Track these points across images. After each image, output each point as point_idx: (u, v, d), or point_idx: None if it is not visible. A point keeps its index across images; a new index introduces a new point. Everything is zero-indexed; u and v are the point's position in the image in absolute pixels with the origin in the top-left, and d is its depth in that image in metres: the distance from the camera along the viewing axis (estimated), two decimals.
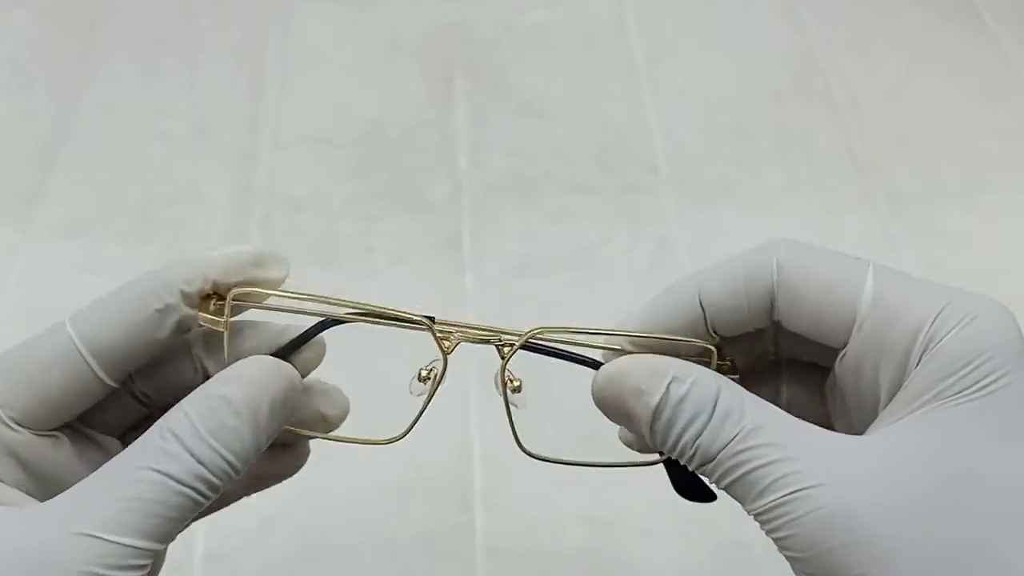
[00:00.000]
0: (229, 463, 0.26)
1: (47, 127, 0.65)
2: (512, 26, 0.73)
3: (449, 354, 0.29)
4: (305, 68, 0.69)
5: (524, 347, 0.29)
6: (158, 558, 0.29)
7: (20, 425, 0.28)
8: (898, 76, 0.70)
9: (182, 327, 0.29)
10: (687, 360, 0.28)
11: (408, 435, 0.30)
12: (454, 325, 0.29)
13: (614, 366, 0.28)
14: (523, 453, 0.30)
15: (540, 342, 0.29)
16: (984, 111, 0.68)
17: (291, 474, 0.33)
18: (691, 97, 0.68)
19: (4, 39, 0.70)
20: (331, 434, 0.31)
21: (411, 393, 0.30)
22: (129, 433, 0.32)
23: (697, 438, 0.27)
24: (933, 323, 0.27)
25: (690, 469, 0.27)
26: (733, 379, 0.28)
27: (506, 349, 0.29)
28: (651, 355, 0.28)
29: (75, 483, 0.27)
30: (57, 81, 0.67)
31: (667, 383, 0.27)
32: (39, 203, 0.60)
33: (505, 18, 0.73)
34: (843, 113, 0.67)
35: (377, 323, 0.29)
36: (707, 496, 0.30)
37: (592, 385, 0.29)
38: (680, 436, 0.27)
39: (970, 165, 0.64)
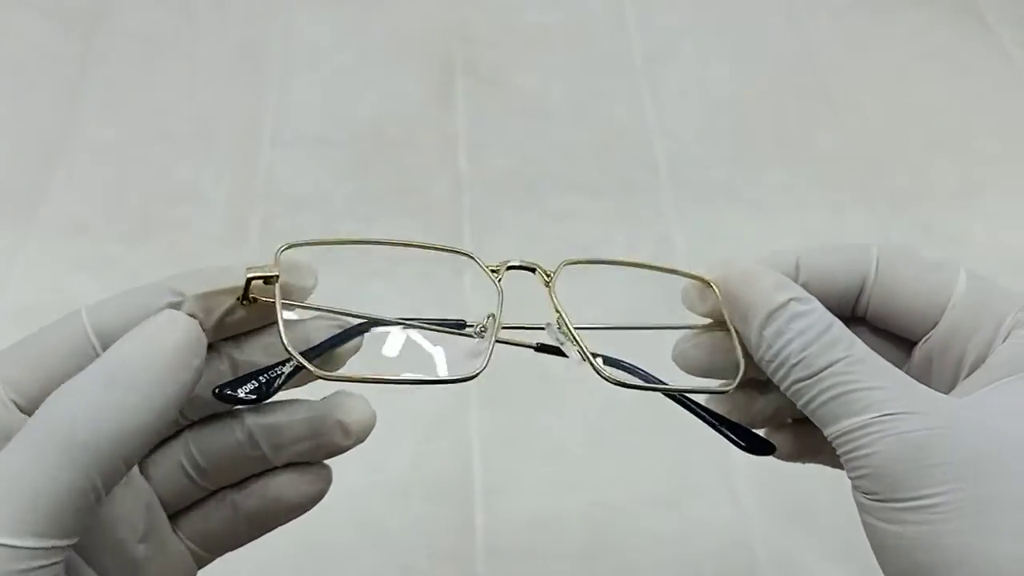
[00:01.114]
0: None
1: (48, 127, 0.65)
2: (512, 26, 0.73)
3: (500, 281, 0.31)
4: (305, 68, 0.69)
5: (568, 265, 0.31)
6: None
7: (23, 411, 0.27)
8: (898, 76, 0.70)
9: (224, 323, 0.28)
10: None
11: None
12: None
13: (745, 264, 0.31)
14: (602, 378, 0.30)
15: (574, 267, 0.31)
16: (984, 111, 0.68)
17: (311, 504, 0.31)
18: (691, 97, 0.68)
19: (4, 39, 0.70)
20: (395, 376, 0.29)
21: (468, 356, 0.30)
22: (189, 516, 0.31)
23: (804, 349, 0.28)
24: (1017, 314, 0.29)
25: (782, 385, 0.28)
26: None
27: (547, 276, 0.31)
28: (778, 273, 0.30)
29: None
30: (58, 81, 0.67)
31: (790, 296, 0.29)
32: (40, 203, 0.60)
33: (505, 18, 0.73)
34: (843, 113, 0.67)
35: (423, 328, 0.29)
36: (770, 448, 0.32)
37: (719, 269, 0.32)
38: (788, 343, 0.28)
39: (970, 165, 0.64)
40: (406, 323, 0.30)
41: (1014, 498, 0.25)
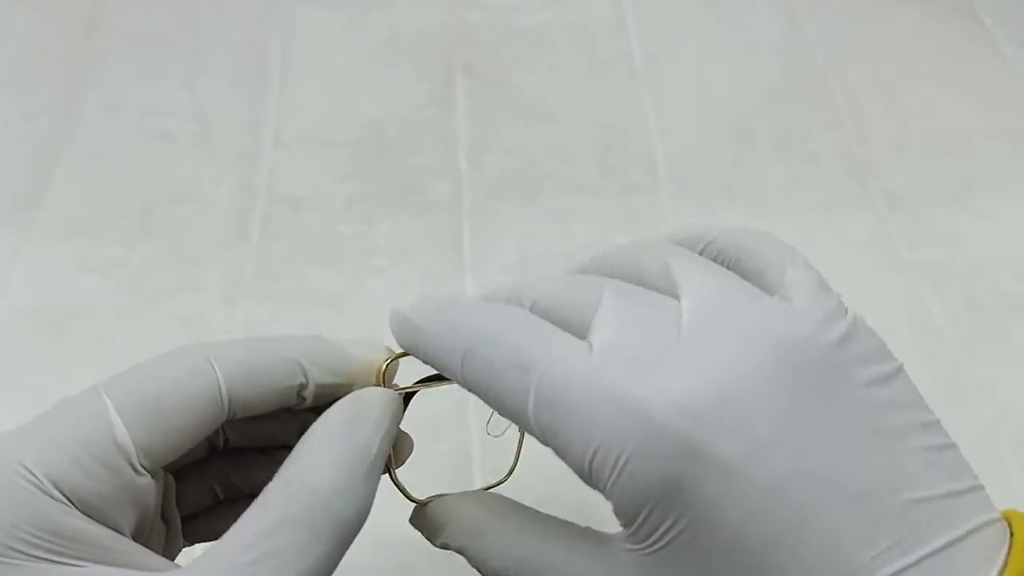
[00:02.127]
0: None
1: (48, 127, 0.65)
2: (512, 26, 0.73)
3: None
4: (306, 68, 0.69)
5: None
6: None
7: (143, 467, 0.27)
8: (897, 77, 0.70)
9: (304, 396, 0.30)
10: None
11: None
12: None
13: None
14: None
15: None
16: (983, 112, 0.68)
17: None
18: (691, 97, 0.68)
19: (5, 39, 0.70)
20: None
21: (489, 433, 0.31)
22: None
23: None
24: (592, 472, 0.25)
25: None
26: None
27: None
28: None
29: (147, 518, 0.27)
30: (58, 81, 0.68)
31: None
32: (40, 204, 0.60)
33: (505, 18, 0.73)
34: (842, 113, 0.67)
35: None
36: None
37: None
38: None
39: (968, 165, 0.64)
40: None
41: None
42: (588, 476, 0.26)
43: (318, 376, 0.29)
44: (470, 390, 0.28)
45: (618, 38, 0.72)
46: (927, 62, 0.71)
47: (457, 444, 0.49)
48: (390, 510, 0.49)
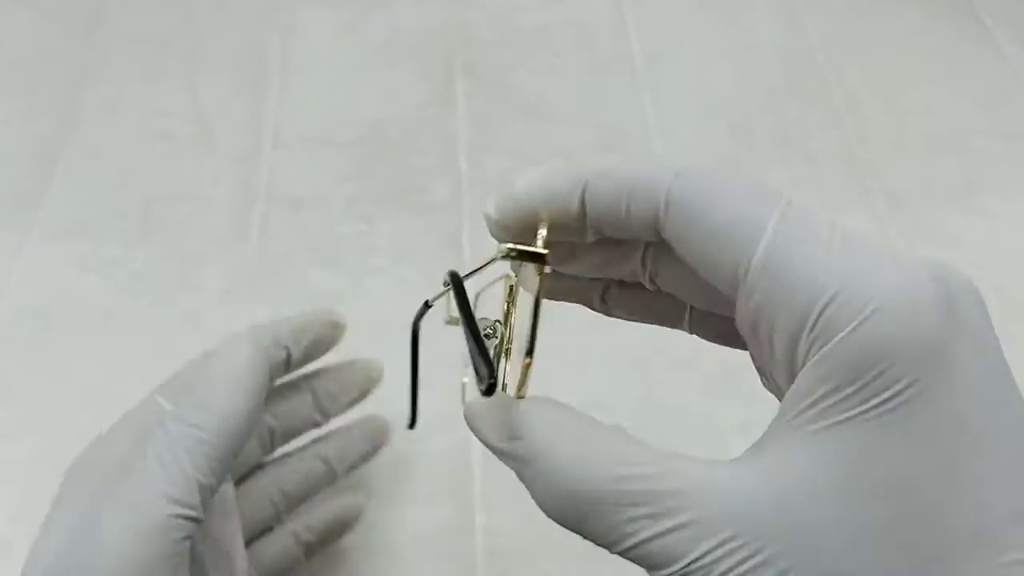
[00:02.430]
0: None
1: (48, 127, 0.65)
2: (512, 26, 0.73)
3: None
4: (306, 68, 0.69)
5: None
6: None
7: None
8: (897, 76, 0.70)
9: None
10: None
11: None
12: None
13: (470, 408, 0.28)
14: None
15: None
16: (982, 112, 0.68)
17: (355, 520, 0.43)
18: (691, 97, 0.68)
19: (5, 39, 0.70)
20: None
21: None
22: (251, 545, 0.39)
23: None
24: (823, 313, 0.22)
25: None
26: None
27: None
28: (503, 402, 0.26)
29: None
30: (58, 81, 0.68)
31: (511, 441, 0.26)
32: (40, 203, 0.60)
33: (505, 18, 0.73)
34: (842, 113, 0.67)
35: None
36: None
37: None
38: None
39: (968, 165, 0.64)
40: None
41: None
42: (810, 324, 0.22)
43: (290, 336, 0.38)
44: (674, 212, 0.24)
45: (618, 38, 0.72)
46: (927, 62, 0.71)
47: (457, 442, 0.49)
48: (390, 511, 0.49)
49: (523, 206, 0.27)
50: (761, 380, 0.27)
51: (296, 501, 0.40)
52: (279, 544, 0.39)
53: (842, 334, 0.22)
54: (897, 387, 0.22)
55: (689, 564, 0.22)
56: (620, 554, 0.24)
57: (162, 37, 0.71)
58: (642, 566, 0.24)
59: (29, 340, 0.53)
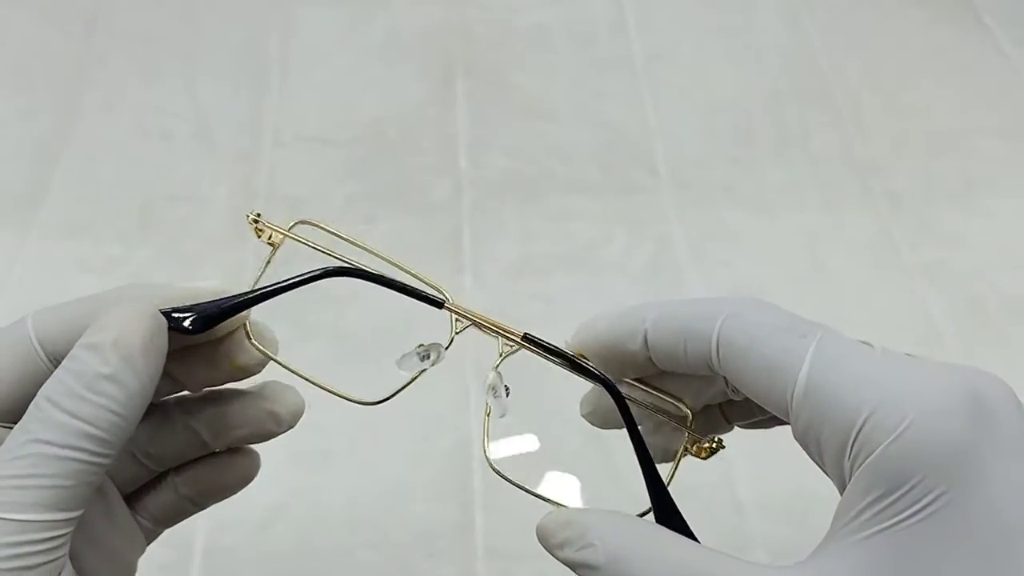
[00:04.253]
0: (114, 412, 0.25)
1: (47, 127, 0.65)
2: (512, 26, 0.73)
3: (457, 334, 0.31)
4: (305, 68, 0.69)
5: (525, 343, 0.30)
6: (130, 552, 0.30)
7: None
8: (897, 76, 0.70)
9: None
10: (662, 413, 0.30)
11: (389, 403, 0.31)
12: (463, 311, 0.31)
13: (541, 523, 0.29)
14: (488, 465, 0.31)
15: (537, 341, 0.30)
16: (983, 111, 0.68)
17: (242, 485, 0.33)
18: (691, 97, 0.68)
19: (4, 39, 0.70)
20: (315, 379, 0.32)
21: (399, 368, 0.31)
22: (137, 494, 0.32)
23: None
24: (861, 431, 0.24)
25: None
26: (698, 444, 0.29)
27: (506, 347, 0.30)
28: (572, 517, 0.28)
29: None
30: (57, 81, 0.67)
31: (573, 548, 0.28)
32: (39, 203, 0.60)
33: (505, 18, 0.73)
34: (843, 113, 0.67)
35: (388, 287, 0.30)
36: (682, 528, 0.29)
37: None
38: None
39: (969, 165, 0.64)
40: (370, 278, 0.30)
41: None
42: (850, 442, 0.25)
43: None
44: (724, 352, 0.27)
45: (618, 38, 0.72)
46: (928, 62, 0.71)
47: (457, 443, 0.49)
48: (390, 510, 0.49)
49: (598, 343, 0.30)
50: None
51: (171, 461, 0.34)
52: (163, 496, 0.33)
53: (880, 449, 0.24)
54: (930, 496, 0.23)
55: None
56: None
57: (161, 37, 0.71)
58: None
59: None
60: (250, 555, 0.46)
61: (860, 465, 0.24)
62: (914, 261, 0.58)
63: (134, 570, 0.31)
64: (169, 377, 0.31)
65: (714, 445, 0.30)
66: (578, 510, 0.29)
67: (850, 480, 0.25)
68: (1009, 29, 0.73)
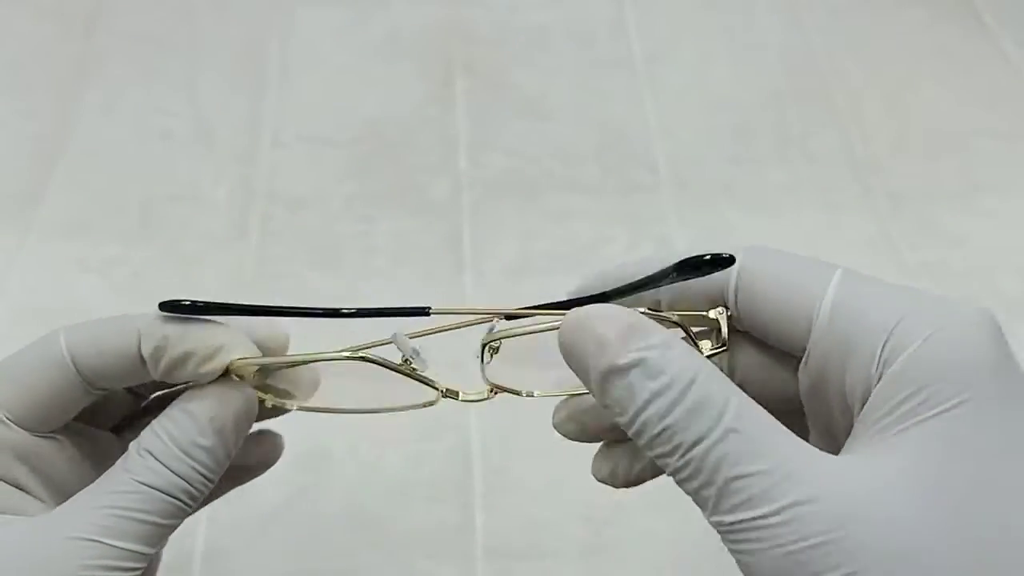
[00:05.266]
0: (203, 475, 0.29)
1: (47, 127, 0.65)
2: (512, 26, 0.73)
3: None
4: (305, 68, 0.69)
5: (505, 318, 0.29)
6: (153, 562, 0.31)
7: (19, 426, 0.30)
8: (898, 76, 0.70)
9: (170, 376, 0.30)
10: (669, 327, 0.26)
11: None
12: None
13: (585, 310, 0.26)
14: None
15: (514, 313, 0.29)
16: (983, 111, 0.68)
17: (270, 464, 0.35)
18: (691, 97, 0.68)
19: (4, 39, 0.70)
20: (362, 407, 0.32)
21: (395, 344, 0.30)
22: (122, 425, 0.34)
23: (663, 418, 0.24)
24: (892, 335, 0.25)
25: (649, 454, 0.24)
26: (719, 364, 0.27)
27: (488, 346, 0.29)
28: (628, 309, 0.25)
29: (79, 481, 0.29)
30: (57, 81, 0.67)
31: (638, 344, 0.24)
32: (39, 203, 0.60)
33: (505, 18, 0.73)
34: (843, 113, 0.67)
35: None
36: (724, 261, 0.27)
37: (559, 332, 0.26)
38: (643, 409, 0.24)
39: (969, 165, 0.64)
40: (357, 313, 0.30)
41: None
42: (881, 346, 0.25)
43: (174, 345, 0.29)
44: (745, 278, 0.27)
45: (618, 38, 0.72)
46: (928, 62, 0.71)
47: (457, 443, 0.49)
48: (390, 510, 0.49)
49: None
50: (811, 438, 0.28)
51: None
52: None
53: (914, 347, 0.24)
54: (967, 393, 0.24)
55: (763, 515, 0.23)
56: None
57: (161, 37, 0.71)
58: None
59: (28, 340, 0.53)
60: (250, 556, 0.46)
61: (888, 368, 0.25)
62: (914, 261, 0.58)
63: None
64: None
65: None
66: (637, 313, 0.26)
67: (877, 384, 0.25)
68: (1010, 29, 0.73)
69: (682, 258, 0.26)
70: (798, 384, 0.28)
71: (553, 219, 0.60)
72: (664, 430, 0.24)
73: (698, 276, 0.27)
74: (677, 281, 0.27)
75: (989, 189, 0.63)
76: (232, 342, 0.29)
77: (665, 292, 0.29)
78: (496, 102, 0.67)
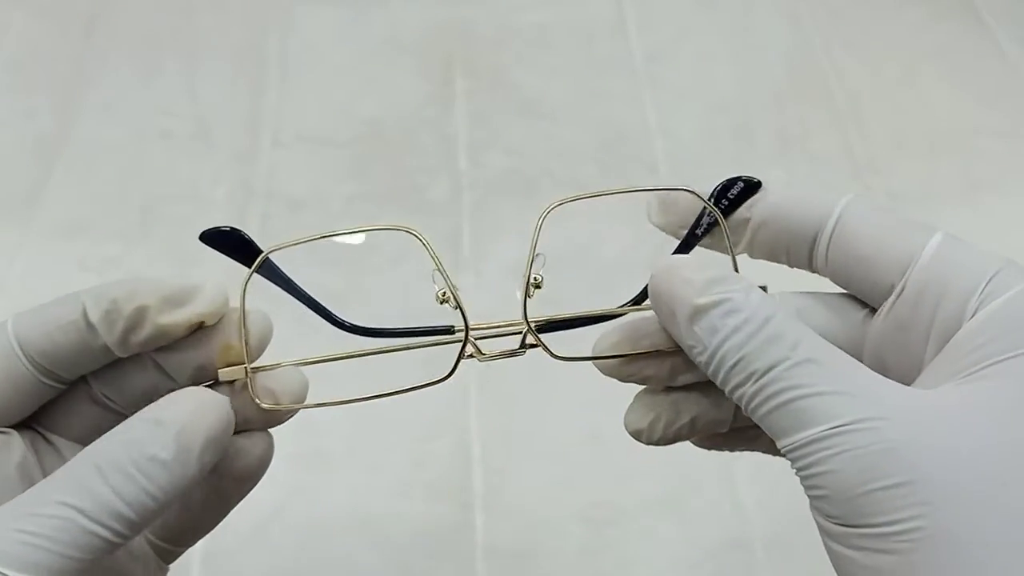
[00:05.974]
0: (152, 496, 0.24)
1: (47, 127, 0.65)
2: (512, 26, 0.73)
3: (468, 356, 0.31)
4: (305, 68, 0.69)
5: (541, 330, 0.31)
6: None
7: None
8: (897, 76, 0.70)
9: (129, 341, 0.27)
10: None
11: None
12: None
13: (673, 259, 0.28)
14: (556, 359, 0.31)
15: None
16: (983, 111, 0.68)
17: (259, 474, 0.30)
18: (691, 97, 0.68)
19: (4, 39, 0.70)
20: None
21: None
22: (94, 437, 0.30)
23: (741, 349, 0.25)
24: (992, 279, 0.26)
25: (726, 388, 0.26)
26: None
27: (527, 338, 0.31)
28: (713, 258, 0.28)
29: (17, 484, 0.26)
30: (57, 81, 0.67)
31: (722, 288, 0.26)
32: (39, 203, 0.60)
33: (505, 18, 0.73)
34: (843, 113, 0.67)
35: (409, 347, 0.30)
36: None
37: (650, 279, 0.29)
38: (723, 343, 0.25)
39: (969, 165, 0.64)
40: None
41: (994, 533, 0.22)
42: (980, 289, 0.26)
43: (107, 302, 0.27)
44: (845, 220, 0.29)
45: (618, 38, 0.72)
46: (928, 61, 0.71)
47: (457, 443, 0.49)
48: (390, 510, 0.49)
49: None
50: None
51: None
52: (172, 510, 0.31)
53: (1006, 295, 0.26)
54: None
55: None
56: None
57: (160, 36, 0.71)
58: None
59: None
60: (250, 557, 0.46)
61: (983, 308, 0.26)
62: None
63: None
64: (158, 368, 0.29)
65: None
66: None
67: (969, 320, 0.26)
68: (1009, 28, 0.73)
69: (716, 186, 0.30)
70: (863, 336, 0.29)
71: (553, 219, 0.60)
72: (741, 359, 0.25)
73: (733, 203, 0.31)
74: (718, 210, 0.31)
75: (989, 188, 0.63)
76: (193, 289, 0.27)
77: (761, 208, 0.31)
78: (496, 102, 0.67)
